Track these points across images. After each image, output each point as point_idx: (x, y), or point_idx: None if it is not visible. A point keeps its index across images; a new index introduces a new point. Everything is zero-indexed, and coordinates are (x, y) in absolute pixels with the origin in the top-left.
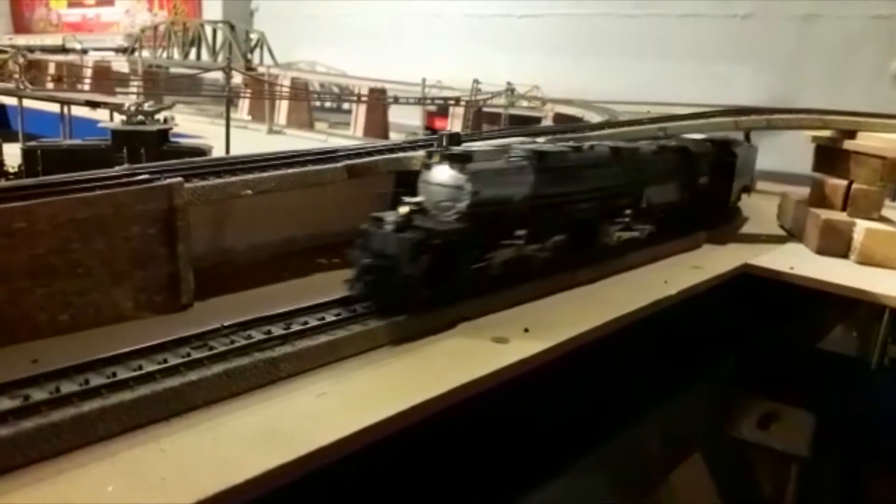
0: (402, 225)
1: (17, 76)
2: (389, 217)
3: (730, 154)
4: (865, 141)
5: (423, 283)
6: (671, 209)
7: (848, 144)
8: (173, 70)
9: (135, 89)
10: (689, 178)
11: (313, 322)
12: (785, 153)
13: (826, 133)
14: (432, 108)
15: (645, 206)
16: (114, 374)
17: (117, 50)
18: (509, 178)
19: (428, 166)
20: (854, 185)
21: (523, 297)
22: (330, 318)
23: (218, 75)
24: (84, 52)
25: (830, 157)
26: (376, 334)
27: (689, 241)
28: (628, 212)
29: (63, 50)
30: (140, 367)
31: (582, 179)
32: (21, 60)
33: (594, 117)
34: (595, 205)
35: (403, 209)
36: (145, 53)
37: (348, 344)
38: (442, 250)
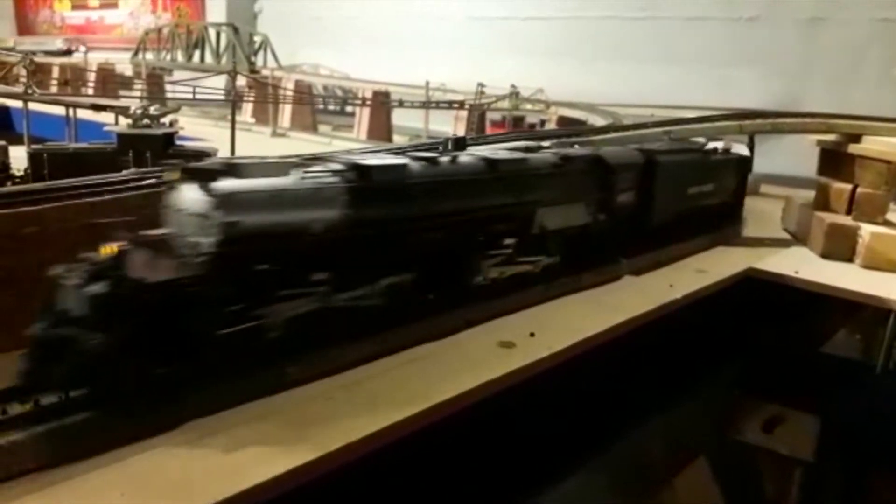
0: (99, 273)
1: (23, 80)
2: (84, 262)
3: (654, 166)
4: (870, 145)
5: (119, 363)
6: (578, 235)
7: (853, 148)
8: (177, 73)
9: (139, 92)
10: (605, 196)
11: None
12: (790, 156)
13: (831, 137)
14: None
15: (537, 233)
16: None
17: (56, 52)
18: (297, 201)
19: (171, 185)
20: (859, 189)
21: (528, 302)
22: None
23: (219, 79)
24: (30, 53)
25: (835, 160)
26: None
27: (605, 274)
28: (509, 241)
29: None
30: None
31: (432, 201)
32: (29, 64)
33: (598, 120)
34: (453, 233)
35: (109, 248)
36: (149, 56)
37: None
38: (160, 311)
